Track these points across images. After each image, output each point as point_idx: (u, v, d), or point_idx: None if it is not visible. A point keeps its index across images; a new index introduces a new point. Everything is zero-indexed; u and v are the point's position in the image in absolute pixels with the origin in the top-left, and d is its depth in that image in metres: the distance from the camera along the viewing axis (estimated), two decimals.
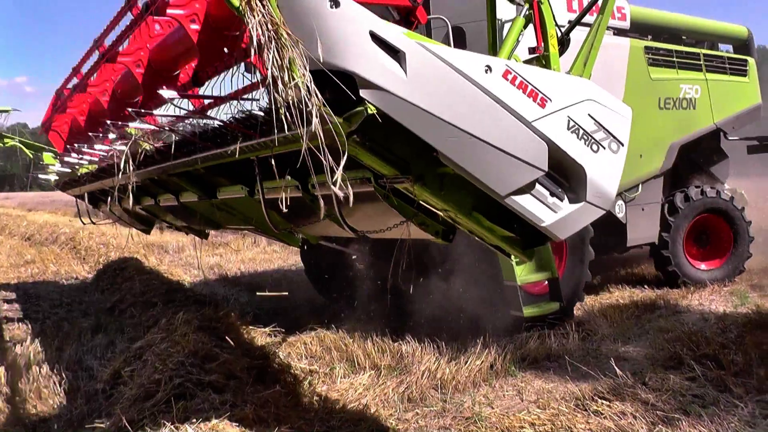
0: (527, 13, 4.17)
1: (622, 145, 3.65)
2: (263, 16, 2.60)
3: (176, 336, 5.39)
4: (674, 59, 8.87)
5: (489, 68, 3.14)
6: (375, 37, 2.78)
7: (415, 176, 3.20)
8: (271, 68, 2.55)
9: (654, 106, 8.55)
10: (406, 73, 2.84)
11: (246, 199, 4.69)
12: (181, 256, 13.10)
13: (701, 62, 9.22)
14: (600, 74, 6.41)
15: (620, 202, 8.11)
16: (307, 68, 2.58)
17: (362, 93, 2.75)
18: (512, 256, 3.84)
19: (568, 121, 3.43)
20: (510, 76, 3.20)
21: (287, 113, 2.57)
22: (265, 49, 2.55)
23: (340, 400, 4.86)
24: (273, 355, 5.82)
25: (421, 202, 3.36)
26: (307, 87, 2.55)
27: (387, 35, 2.81)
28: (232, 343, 5.50)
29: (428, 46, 2.93)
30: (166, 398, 4.19)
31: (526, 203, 3.35)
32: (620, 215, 8.12)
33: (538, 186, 3.35)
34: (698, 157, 9.59)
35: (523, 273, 5.78)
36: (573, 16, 6.86)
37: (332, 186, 2.68)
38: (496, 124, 3.17)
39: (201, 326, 5.83)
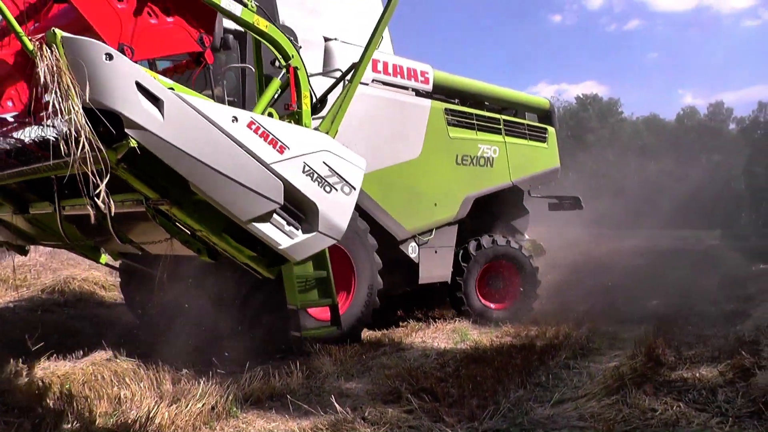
0: (285, 76, 6.07)
1: (354, 188, 5.72)
2: (50, 60, 4.08)
3: None
4: (474, 121, 11.78)
5: (236, 118, 4.96)
6: (140, 86, 4.36)
7: (172, 200, 4.87)
8: (53, 103, 4.03)
9: (451, 161, 11.33)
10: (163, 116, 4.45)
11: (53, 215, 5.95)
12: None
13: (501, 126, 12.27)
14: (400, 129, 9.85)
15: (413, 243, 10.80)
16: (80, 106, 4.00)
17: (127, 130, 4.30)
18: (261, 273, 5.64)
19: (304, 165, 5.34)
20: (254, 126, 5.05)
21: (65, 140, 4.01)
22: (50, 88, 4.02)
23: None
24: None
25: (177, 222, 5.05)
26: (79, 120, 4.06)
27: (150, 85, 4.43)
28: None
29: (184, 97, 4.62)
30: None
31: (266, 229, 5.20)
32: (413, 255, 10.83)
33: (276, 216, 5.19)
34: (500, 210, 12.44)
35: (304, 298, 7.27)
36: (378, 76, 10.06)
37: (97, 200, 4.27)
38: (238, 163, 4.92)
39: None
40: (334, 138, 6.21)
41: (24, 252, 8.25)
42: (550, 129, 13.71)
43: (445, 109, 11.31)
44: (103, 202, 4.34)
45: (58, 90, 4.07)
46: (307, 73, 6.36)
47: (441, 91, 11.55)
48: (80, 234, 6.38)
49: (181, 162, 4.70)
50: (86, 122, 4.12)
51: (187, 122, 4.69)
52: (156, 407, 5.99)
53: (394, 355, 8.47)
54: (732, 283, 17.20)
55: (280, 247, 5.36)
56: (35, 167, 4.98)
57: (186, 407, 6.05)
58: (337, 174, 5.70)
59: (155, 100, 4.50)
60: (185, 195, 4.99)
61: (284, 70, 6.29)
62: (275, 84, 6.29)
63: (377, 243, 9.83)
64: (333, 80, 7.92)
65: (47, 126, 4.71)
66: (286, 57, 6.31)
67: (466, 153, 11.64)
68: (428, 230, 11.05)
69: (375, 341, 9.23)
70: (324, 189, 5.63)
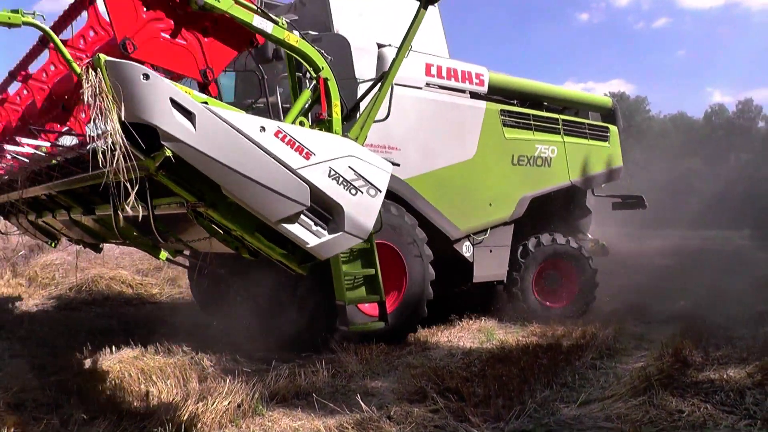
0: (316, 87, 6.75)
1: (380, 191, 6.12)
2: (94, 82, 4.69)
3: None
4: (531, 122, 11.93)
5: (263, 128, 5.43)
6: (173, 102, 4.89)
7: (208, 203, 5.46)
8: (94, 120, 4.67)
9: (507, 161, 11.49)
10: (195, 128, 4.96)
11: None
12: None
13: (559, 126, 12.34)
14: (454, 131, 10.34)
15: (468, 243, 10.99)
16: (117, 123, 4.63)
17: (162, 141, 4.82)
18: (294, 270, 6.10)
19: (330, 170, 5.79)
20: (281, 135, 5.50)
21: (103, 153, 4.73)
22: (93, 106, 4.64)
23: None
24: None
25: (214, 223, 5.76)
26: (118, 134, 4.65)
27: (182, 100, 4.93)
28: None
29: (214, 110, 5.12)
30: None
31: (293, 229, 5.63)
32: (467, 254, 11.02)
33: (303, 217, 5.64)
34: (561, 209, 12.65)
35: (352, 295, 7.70)
36: (431, 80, 10.36)
37: (126, 206, 4.97)
38: (265, 169, 5.40)
39: None
40: (363, 143, 6.78)
41: (98, 249, 9.11)
42: (613, 128, 13.79)
43: (501, 111, 11.49)
44: (132, 208, 5.01)
45: (99, 109, 4.73)
46: (337, 82, 6.80)
47: (497, 93, 11.75)
48: (137, 234, 7.01)
49: (212, 169, 5.29)
50: (121, 138, 4.74)
51: (218, 133, 5.25)
52: (184, 404, 6.09)
53: (419, 355, 8.51)
54: (762, 283, 17.02)
55: (308, 246, 5.81)
56: (90, 174, 5.58)
57: (212, 405, 6.11)
58: (363, 177, 6.12)
59: (188, 114, 5.07)
60: (219, 198, 5.58)
61: (315, 81, 6.80)
62: (306, 94, 6.88)
63: (431, 242, 10.04)
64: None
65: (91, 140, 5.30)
66: (316, 69, 6.74)
67: (523, 153, 11.81)
68: (483, 230, 11.26)
69: (402, 341, 9.24)
70: (350, 192, 6.06)
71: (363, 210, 6.14)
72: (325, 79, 6.83)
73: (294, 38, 6.62)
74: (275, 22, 6.38)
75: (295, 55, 6.95)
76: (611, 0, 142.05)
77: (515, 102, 12.24)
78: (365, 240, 6.63)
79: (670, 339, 9.32)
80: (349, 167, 6.07)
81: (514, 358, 7.99)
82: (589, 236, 13.79)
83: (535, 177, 12.02)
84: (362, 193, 6.14)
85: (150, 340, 8.39)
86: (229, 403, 6.17)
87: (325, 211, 5.97)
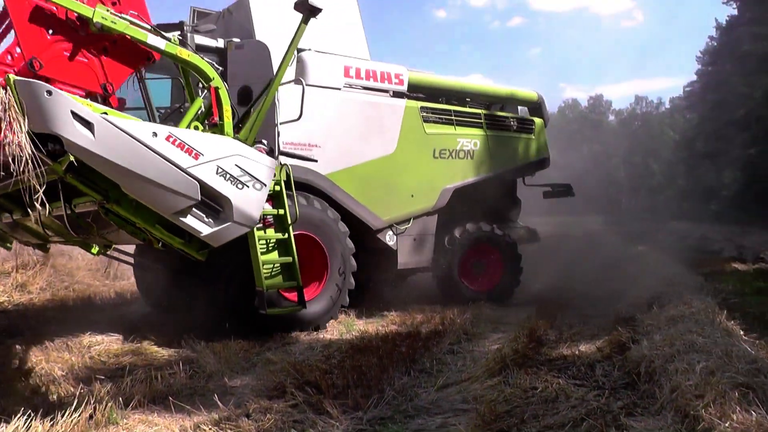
0: (207, 95, 7.79)
1: (264, 185, 7.27)
2: (4, 98, 5.67)
3: None
4: (453, 117, 12.62)
5: (155, 133, 6.47)
6: (74, 114, 5.90)
7: (112, 200, 6.53)
8: (4, 132, 5.63)
9: (428, 155, 12.22)
10: (94, 136, 5.99)
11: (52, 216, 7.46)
12: None
13: (482, 121, 12.92)
14: (373, 128, 11.08)
15: (390, 232, 11.71)
16: (25, 131, 5.66)
17: (66, 148, 5.87)
18: (194, 256, 7.28)
19: (217, 168, 6.87)
20: (171, 139, 6.57)
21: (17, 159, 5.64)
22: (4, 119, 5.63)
23: None
24: None
25: (121, 218, 6.82)
26: (28, 143, 5.64)
27: (82, 112, 5.96)
28: None
29: (110, 119, 6.18)
30: None
31: (187, 220, 6.72)
32: (390, 243, 11.72)
33: (196, 209, 6.72)
34: (489, 198, 13.20)
35: (270, 282, 8.53)
36: (349, 81, 11.12)
37: (37, 205, 5.97)
38: (158, 169, 6.43)
39: None
40: (253, 143, 7.94)
41: (45, 249, 9.68)
42: (538, 120, 14.36)
43: (421, 108, 12.16)
44: (42, 205, 6.03)
45: (9, 122, 5.68)
46: (227, 90, 7.80)
47: (419, 91, 12.39)
48: (66, 231, 7.60)
49: (112, 170, 6.29)
50: (29, 146, 5.69)
51: (114, 139, 6.22)
52: (28, 422, 5.74)
53: (279, 350, 8.44)
54: (612, 263, 17.81)
55: (202, 235, 6.92)
56: (13, 180, 5.99)
57: (62, 418, 5.80)
58: (249, 173, 7.17)
59: (87, 124, 6.04)
60: (122, 196, 6.59)
61: (206, 90, 7.81)
62: (198, 102, 7.85)
63: (354, 232, 10.80)
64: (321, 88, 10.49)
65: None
66: (207, 79, 7.68)
67: (444, 147, 12.45)
68: (405, 220, 11.93)
69: (260, 337, 9.10)
70: (236, 186, 7.09)
71: (249, 202, 7.19)
72: (216, 88, 7.70)
73: (185, 53, 7.53)
74: (167, 39, 7.35)
75: (188, 67, 7.80)
76: None
77: (441, 99, 12.76)
78: (283, 231, 8.51)
79: (525, 320, 9.60)
80: (236, 165, 7.10)
81: (373, 348, 8.06)
82: (520, 223, 14.44)
83: (457, 169, 12.64)
84: (248, 187, 7.17)
85: None
86: (80, 415, 5.84)
87: (216, 204, 6.97)
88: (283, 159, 9.25)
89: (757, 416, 4.72)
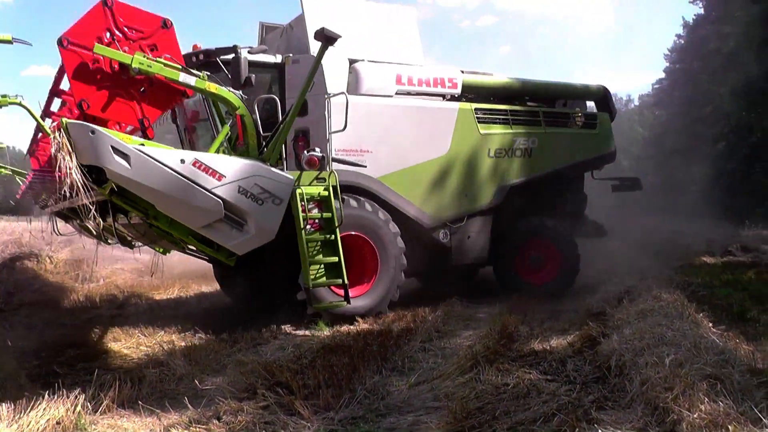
0: (233, 123, 9.33)
1: (282, 200, 8.72)
2: (59, 139, 7.42)
3: None
4: (509, 117, 12.85)
5: (183, 160, 8.12)
6: (114, 149, 7.62)
7: (151, 216, 8.26)
8: (59, 165, 7.38)
9: (482, 155, 12.50)
10: (130, 165, 7.72)
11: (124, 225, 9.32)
12: None
13: (540, 118, 13.04)
14: (425, 131, 12.00)
15: (444, 230, 12.09)
16: (74, 165, 7.42)
17: (108, 176, 7.64)
18: (225, 262, 9.06)
19: (239, 187, 8.37)
20: (197, 164, 8.16)
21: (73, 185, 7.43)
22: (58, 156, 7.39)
23: None
24: None
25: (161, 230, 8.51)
26: (77, 174, 7.39)
27: (120, 146, 7.70)
28: None
29: (144, 149, 7.90)
30: None
31: (213, 233, 8.37)
32: (444, 241, 12.13)
33: (222, 223, 8.32)
34: (552, 194, 13.44)
35: (317, 280, 9.52)
36: (401, 88, 11.67)
37: (91, 221, 8.40)
38: (186, 191, 8.02)
39: None
40: (275, 161, 9.37)
41: (131, 246, 11.15)
42: (602, 115, 14.36)
43: (475, 109, 12.44)
44: (94, 220, 8.21)
45: (62, 157, 7.43)
46: (252, 117, 9.31)
47: (474, 92, 12.80)
48: (125, 237, 10.03)
49: (146, 193, 8.00)
50: (79, 176, 7.45)
51: (147, 167, 7.86)
52: None
53: (250, 351, 8.36)
54: (582, 259, 17.84)
55: (228, 245, 8.57)
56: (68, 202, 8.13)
57: (27, 425, 5.69)
58: (267, 191, 8.62)
59: (125, 156, 7.75)
60: (158, 213, 8.27)
61: (233, 118, 9.28)
62: (225, 129, 9.32)
63: (407, 231, 11.34)
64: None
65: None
66: (233, 108, 9.09)
67: (500, 146, 12.73)
68: (459, 218, 12.28)
69: (229, 338, 9.04)
70: (257, 203, 8.54)
71: (269, 216, 8.65)
72: (241, 116, 9.12)
73: (213, 87, 8.89)
74: (197, 77, 8.79)
75: (215, 99, 9.28)
76: None
77: (492, 99, 13.05)
78: (330, 233, 9.55)
79: (496, 316, 9.60)
80: (255, 184, 8.51)
81: (345, 347, 8.03)
82: (587, 217, 14.47)
83: (514, 167, 12.90)
84: (268, 203, 8.60)
85: None
86: (47, 421, 5.75)
87: (239, 218, 8.48)
88: (335, 165, 10.25)
89: (724, 406, 4.75)
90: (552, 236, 13.12)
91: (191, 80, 8.66)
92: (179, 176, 7.97)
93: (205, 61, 10.07)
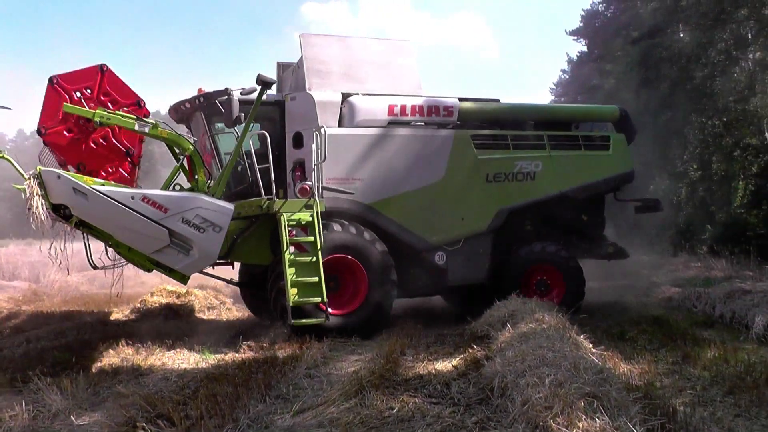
0: (183, 161, 11.00)
1: (222, 228, 10.02)
2: (33, 184, 9.24)
3: None
4: (509, 141, 13.09)
5: (133, 197, 9.68)
6: (75, 189, 9.41)
7: (113, 243, 10.14)
8: (29, 203, 9.16)
9: (480, 180, 12.80)
10: (88, 202, 9.44)
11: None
12: None
13: (545, 142, 13.05)
14: (420, 158, 12.59)
15: (440, 252, 12.50)
16: (45, 203, 9.26)
17: (72, 211, 9.47)
18: (180, 281, 10.62)
19: (182, 218, 9.81)
20: (146, 200, 9.71)
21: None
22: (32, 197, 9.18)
23: None
24: None
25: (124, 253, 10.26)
26: (44, 213, 9.17)
27: (79, 187, 9.43)
28: None
29: (99, 189, 9.55)
30: None
31: (163, 258, 9.98)
32: (440, 263, 12.52)
33: (168, 249, 9.86)
34: (561, 217, 13.54)
35: (297, 298, 10.34)
36: (394, 119, 12.31)
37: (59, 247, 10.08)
38: (136, 222, 9.65)
39: None
40: (221, 194, 10.78)
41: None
42: (616, 136, 14.18)
43: (472, 135, 12.84)
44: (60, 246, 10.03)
45: (32, 197, 9.10)
46: (200, 156, 10.95)
47: (472, 119, 13.12)
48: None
49: (104, 224, 9.78)
50: (48, 212, 9.26)
51: (101, 203, 9.49)
52: None
53: (131, 382, 7.99)
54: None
55: (176, 267, 10.09)
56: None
57: None
58: (208, 221, 9.92)
59: (84, 194, 9.40)
60: (118, 240, 9.97)
61: (182, 158, 10.93)
62: (176, 169, 11.15)
63: (401, 253, 12.06)
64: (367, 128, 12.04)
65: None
66: (185, 149, 10.77)
67: (499, 171, 12.98)
68: (455, 240, 12.61)
69: (110, 369, 8.70)
70: (199, 231, 9.89)
71: (210, 243, 9.98)
72: (191, 156, 10.77)
73: (165, 132, 10.63)
74: (151, 125, 10.50)
75: (167, 143, 10.86)
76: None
77: (487, 125, 13.28)
78: (313, 255, 10.50)
79: (383, 341, 9.62)
80: (197, 215, 9.86)
81: (229, 376, 7.89)
82: (606, 239, 14.31)
83: (514, 191, 13.07)
84: (209, 231, 9.92)
85: None
86: None
87: (185, 244, 9.91)
88: (329, 193, 11.42)
89: (600, 422, 4.93)
90: (558, 262, 13.10)
91: (146, 127, 10.47)
92: (129, 210, 9.56)
93: (206, 102, 11.55)
